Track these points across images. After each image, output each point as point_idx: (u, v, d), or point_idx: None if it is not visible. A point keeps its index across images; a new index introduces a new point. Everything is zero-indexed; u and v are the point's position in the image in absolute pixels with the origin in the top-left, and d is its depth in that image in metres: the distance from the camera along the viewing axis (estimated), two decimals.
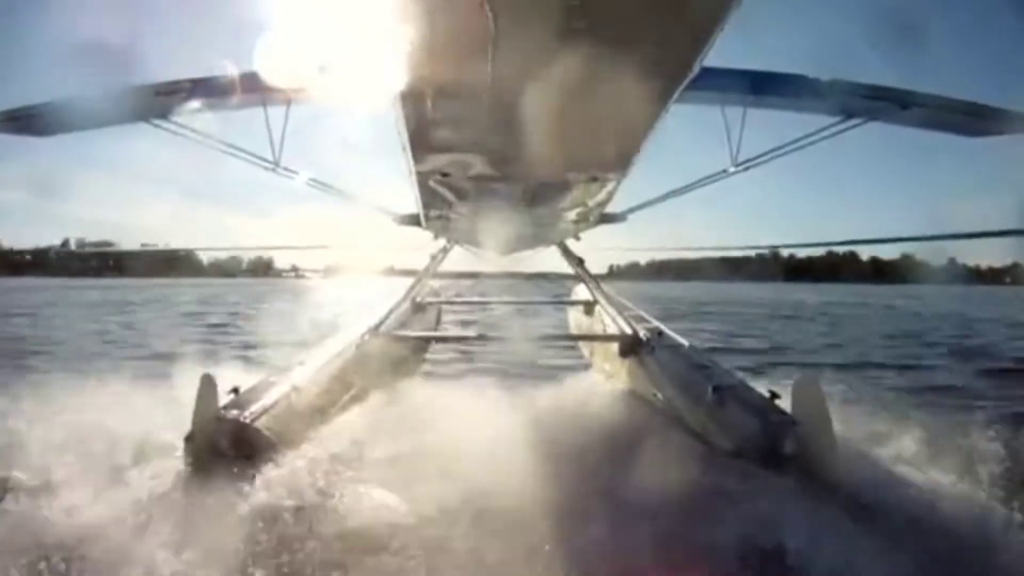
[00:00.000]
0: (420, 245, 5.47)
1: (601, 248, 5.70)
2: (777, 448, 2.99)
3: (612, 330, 5.25)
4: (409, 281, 5.70)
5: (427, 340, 6.06)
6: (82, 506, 2.45)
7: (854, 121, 3.61)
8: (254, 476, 2.71)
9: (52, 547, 2.14)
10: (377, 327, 4.85)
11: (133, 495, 2.58)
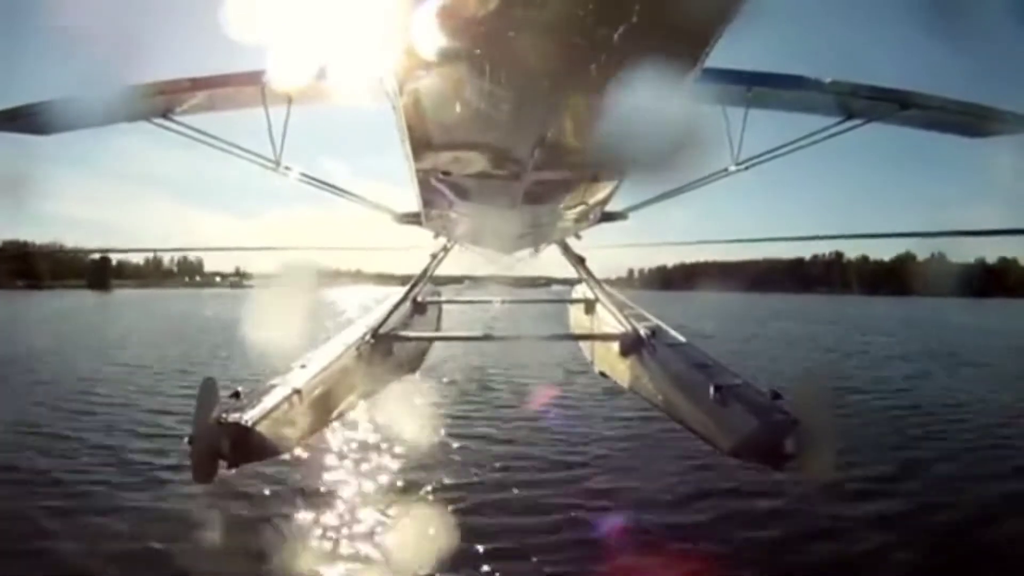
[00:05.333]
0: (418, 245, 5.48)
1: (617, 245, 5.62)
2: (779, 448, 3.00)
3: (613, 329, 5.25)
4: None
5: (428, 340, 6.07)
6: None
7: (854, 121, 3.62)
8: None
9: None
10: (378, 328, 4.85)
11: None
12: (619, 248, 6.01)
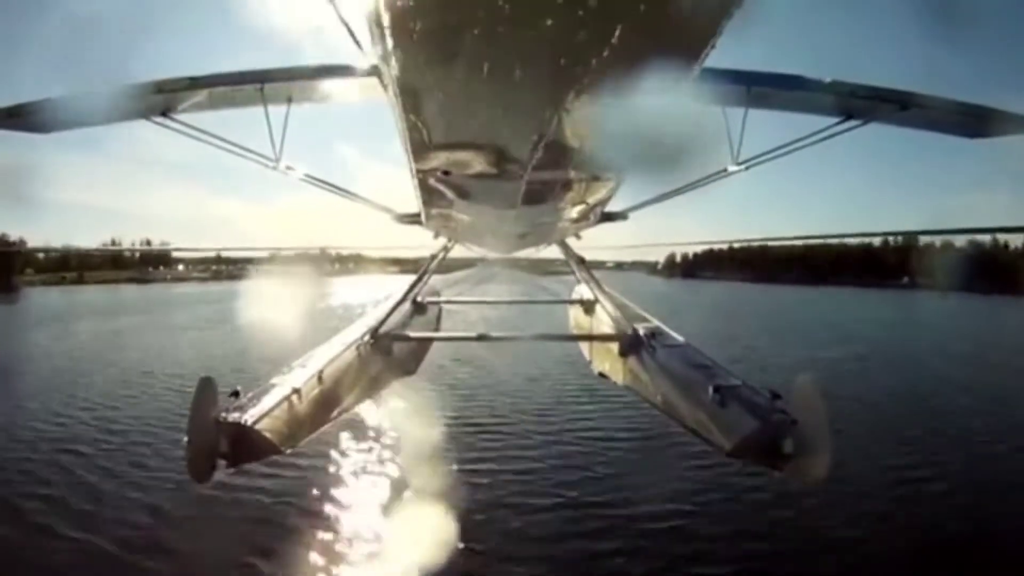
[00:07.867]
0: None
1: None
2: (777, 448, 3.00)
3: (612, 329, 5.26)
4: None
5: (428, 340, 6.07)
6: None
7: (854, 122, 3.62)
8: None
9: None
10: (377, 328, 4.86)
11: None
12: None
